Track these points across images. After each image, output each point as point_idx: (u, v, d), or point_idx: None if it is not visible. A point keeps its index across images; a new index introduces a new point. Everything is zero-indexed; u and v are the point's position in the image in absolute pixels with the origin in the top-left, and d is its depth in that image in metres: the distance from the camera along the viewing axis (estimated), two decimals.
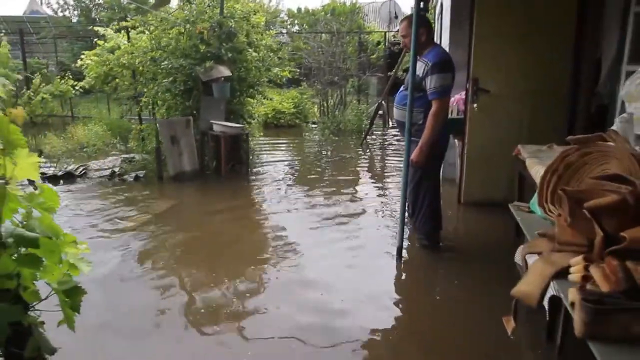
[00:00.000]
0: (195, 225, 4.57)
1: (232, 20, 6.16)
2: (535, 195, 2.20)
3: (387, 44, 12.05)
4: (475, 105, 4.61)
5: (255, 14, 6.44)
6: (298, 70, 10.75)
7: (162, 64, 5.88)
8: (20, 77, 12.33)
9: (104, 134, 8.28)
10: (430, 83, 3.32)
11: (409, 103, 3.28)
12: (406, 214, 3.71)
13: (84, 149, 7.58)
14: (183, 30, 6.19)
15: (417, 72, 3.36)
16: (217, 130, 6.02)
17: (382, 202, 5.16)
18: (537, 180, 3.04)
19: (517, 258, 2.52)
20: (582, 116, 4.68)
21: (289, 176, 6.27)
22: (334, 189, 5.62)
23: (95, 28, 7.57)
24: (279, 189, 5.64)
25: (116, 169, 6.19)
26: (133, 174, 6.00)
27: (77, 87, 9.64)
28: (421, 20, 3.42)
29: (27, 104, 11.45)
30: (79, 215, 4.69)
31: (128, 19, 6.57)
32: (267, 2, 24.59)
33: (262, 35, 6.63)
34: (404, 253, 3.62)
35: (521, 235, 4.03)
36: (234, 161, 6.39)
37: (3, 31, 14.28)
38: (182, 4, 6.60)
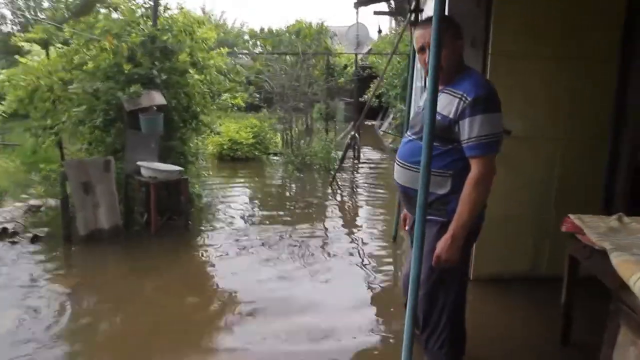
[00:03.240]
0: (107, 328, 3.07)
1: (170, 34, 4.82)
2: None
3: (356, 68, 10.97)
4: None
5: (200, 26, 5.09)
6: (257, 96, 9.49)
7: (70, 87, 4.46)
8: None
9: (15, 170, 6.70)
10: (469, 130, 1.99)
11: (425, 160, 1.99)
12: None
13: None
14: (107, 47, 4.82)
15: (443, 111, 2.03)
16: (145, 175, 4.60)
17: (359, 273, 3.86)
18: None
19: None
20: (625, 172, 3.57)
21: (241, 234, 4.84)
22: (298, 256, 4.28)
23: (20, 43, 6.12)
24: (226, 252, 4.29)
25: (9, 225, 4.66)
26: (30, 234, 4.49)
27: None
28: (454, 27, 2.14)
29: None
30: None
31: (30, 29, 5.12)
32: (230, 23, 23.52)
33: (208, 53, 5.26)
34: None
35: (570, 343, 2.84)
36: (169, 213, 4.99)
37: None
38: (108, 12, 5.23)
